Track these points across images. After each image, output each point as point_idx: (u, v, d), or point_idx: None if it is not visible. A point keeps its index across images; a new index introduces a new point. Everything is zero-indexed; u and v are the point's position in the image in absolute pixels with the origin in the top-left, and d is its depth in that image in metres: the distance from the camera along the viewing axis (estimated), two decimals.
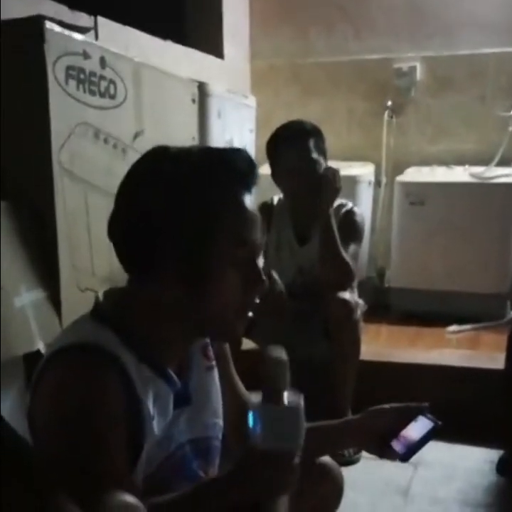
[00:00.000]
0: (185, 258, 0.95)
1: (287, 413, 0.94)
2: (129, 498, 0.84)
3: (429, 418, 1.12)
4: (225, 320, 1.00)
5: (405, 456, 1.10)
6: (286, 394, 0.95)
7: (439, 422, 1.11)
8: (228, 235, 0.96)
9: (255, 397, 0.98)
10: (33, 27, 1.67)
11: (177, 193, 0.94)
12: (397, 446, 1.11)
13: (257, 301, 1.03)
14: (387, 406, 1.18)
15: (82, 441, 0.88)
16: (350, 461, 2.09)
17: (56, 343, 0.99)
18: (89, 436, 0.88)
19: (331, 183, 2.19)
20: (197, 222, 0.94)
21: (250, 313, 1.02)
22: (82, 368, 0.91)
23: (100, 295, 1.04)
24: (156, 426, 0.98)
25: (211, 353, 1.14)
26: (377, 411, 1.19)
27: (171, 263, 0.95)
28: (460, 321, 3.00)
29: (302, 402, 0.95)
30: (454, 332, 2.97)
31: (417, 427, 1.12)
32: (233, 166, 0.98)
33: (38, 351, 1.58)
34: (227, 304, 0.98)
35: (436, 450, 1.93)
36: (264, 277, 1.00)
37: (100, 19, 2.35)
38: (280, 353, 0.97)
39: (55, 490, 0.76)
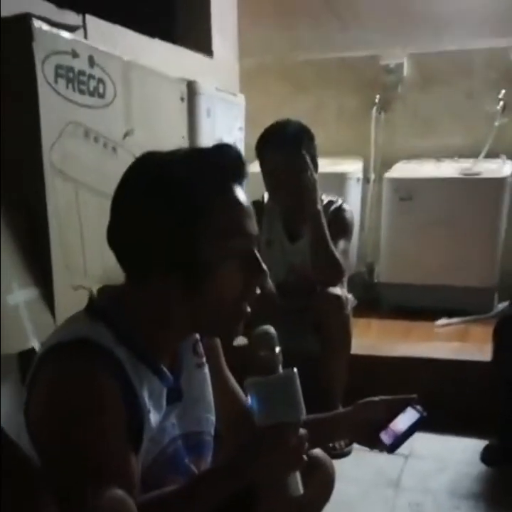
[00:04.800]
0: (182, 256, 0.95)
1: (281, 382, 0.94)
2: (118, 492, 0.84)
3: (416, 409, 1.15)
4: (224, 316, 1.00)
5: (392, 447, 1.12)
6: (279, 367, 0.96)
7: (425, 413, 1.13)
8: (223, 229, 0.96)
9: (250, 378, 0.97)
10: (20, 26, 1.66)
11: (167, 195, 0.95)
12: (384, 437, 1.13)
13: (257, 292, 1.02)
14: (376, 398, 1.20)
15: (79, 437, 0.88)
16: (341, 454, 2.11)
17: (51, 339, 0.99)
18: (86, 432, 0.88)
19: (307, 180, 2.18)
20: (190, 221, 0.94)
21: (249, 309, 1.01)
22: (78, 363, 0.91)
23: (95, 292, 1.04)
24: (152, 420, 0.98)
25: (201, 350, 1.15)
26: (366, 403, 1.20)
27: (169, 263, 0.95)
28: (449, 315, 3.03)
29: (296, 372, 0.95)
30: (443, 325, 2.99)
31: (405, 419, 1.14)
32: (220, 160, 0.98)
33: (33, 349, 1.58)
34: (226, 299, 0.98)
35: (426, 441, 1.96)
36: (264, 267, 1.00)
37: (89, 17, 2.33)
38: (268, 329, 0.98)
39: (40, 491, 0.77)
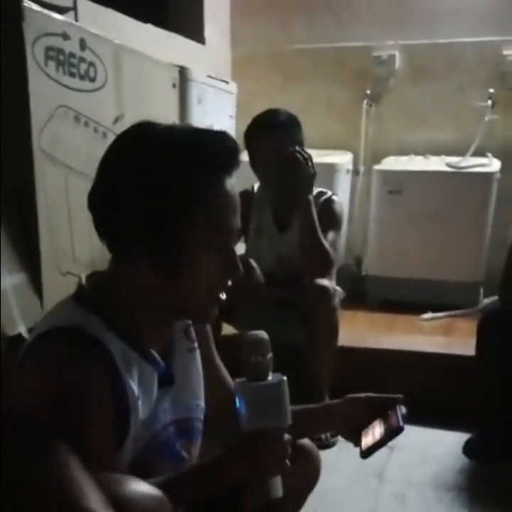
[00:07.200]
0: (161, 238, 0.94)
1: (270, 389, 0.96)
2: (153, 491, 0.85)
3: (397, 416, 1.11)
4: (197, 303, 1.00)
5: (364, 455, 1.09)
6: (270, 373, 0.97)
7: (403, 426, 1.08)
8: (206, 220, 0.96)
9: (240, 379, 0.99)
10: (11, 5, 1.62)
11: (157, 172, 0.94)
12: (363, 439, 1.11)
13: (231, 285, 1.03)
14: (362, 395, 1.19)
15: (65, 423, 0.87)
16: (326, 445, 2.12)
17: (39, 327, 0.98)
18: (72, 419, 0.88)
19: (305, 169, 2.19)
20: (175, 204, 0.94)
21: (223, 296, 1.02)
22: (65, 351, 0.91)
23: (83, 278, 1.03)
24: (142, 406, 0.98)
25: (193, 335, 1.14)
26: (353, 399, 1.19)
27: (147, 241, 0.95)
28: (434, 309, 3.04)
29: (285, 380, 0.97)
30: (428, 319, 3.00)
31: (383, 425, 1.11)
32: (216, 149, 0.97)
33: (20, 335, 1.57)
34: (199, 287, 0.98)
35: (410, 434, 1.96)
36: (239, 266, 1.01)
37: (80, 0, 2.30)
38: (261, 334, 0.99)
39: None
